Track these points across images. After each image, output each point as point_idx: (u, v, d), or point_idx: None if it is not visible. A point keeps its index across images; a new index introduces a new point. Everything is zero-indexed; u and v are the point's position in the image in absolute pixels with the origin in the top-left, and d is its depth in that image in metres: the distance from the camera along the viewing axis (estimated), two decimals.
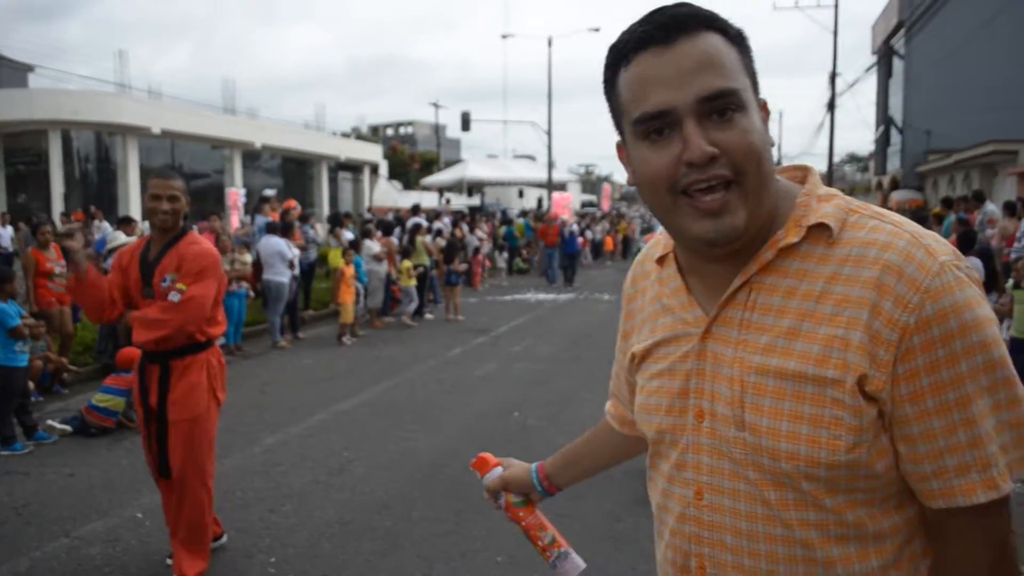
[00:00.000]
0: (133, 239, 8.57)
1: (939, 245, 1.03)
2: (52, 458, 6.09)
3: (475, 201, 34.81)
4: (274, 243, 10.96)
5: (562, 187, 38.36)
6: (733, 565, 1.11)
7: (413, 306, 13.20)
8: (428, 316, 13.89)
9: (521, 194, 41.14)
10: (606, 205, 36.44)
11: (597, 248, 28.31)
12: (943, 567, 1.08)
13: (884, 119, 36.16)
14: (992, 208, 13.30)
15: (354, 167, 37.91)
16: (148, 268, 3.81)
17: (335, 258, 12.01)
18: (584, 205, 45.16)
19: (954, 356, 0.98)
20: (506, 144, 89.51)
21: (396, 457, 6.01)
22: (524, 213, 29.56)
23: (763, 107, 1.10)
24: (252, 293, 11.26)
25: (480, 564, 4.24)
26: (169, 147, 26.69)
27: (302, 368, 9.60)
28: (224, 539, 4.37)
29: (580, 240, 23.76)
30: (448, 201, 30.89)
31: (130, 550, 4.36)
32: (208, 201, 24.60)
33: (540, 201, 36.11)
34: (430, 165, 52.15)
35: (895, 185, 32.24)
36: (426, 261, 13.88)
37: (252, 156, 30.15)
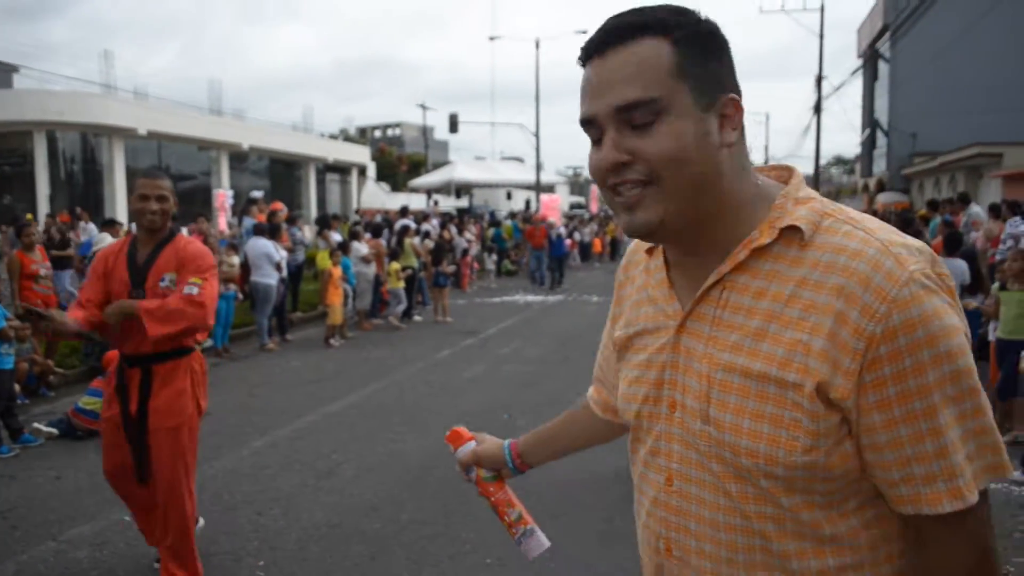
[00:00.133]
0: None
1: (910, 254, 1.02)
2: (38, 461, 6.05)
3: (463, 203, 34.79)
4: (261, 245, 10.92)
5: (550, 189, 38.41)
6: (696, 551, 1.15)
7: (401, 308, 13.19)
8: (416, 318, 13.88)
9: (509, 196, 41.14)
10: (594, 207, 36.49)
11: (585, 250, 28.34)
12: (921, 572, 1.08)
13: (870, 122, 36.38)
14: (977, 210, 13.39)
15: (342, 169, 37.84)
16: (139, 270, 3.70)
17: (323, 260, 11.98)
18: (572, 207, 45.22)
19: (921, 366, 0.99)
20: (494, 146, 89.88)
21: (385, 459, 6.00)
22: (512, 215, 29.57)
23: (729, 105, 1.09)
24: (240, 295, 11.22)
25: (469, 566, 4.24)
26: (155, 148, 26.56)
27: (290, 370, 9.57)
28: (201, 522, 4.28)
29: (568, 242, 23.80)
30: (436, 203, 30.86)
31: (118, 553, 4.34)
32: (195, 203, 24.50)
33: (528, 203, 36.12)
34: (418, 167, 52.10)
35: (881, 187, 32.43)
36: (414, 263, 13.86)
37: (239, 157, 30.05)
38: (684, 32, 1.08)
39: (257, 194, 17.34)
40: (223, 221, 17.53)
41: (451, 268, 15.32)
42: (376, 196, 38.41)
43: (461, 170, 36.43)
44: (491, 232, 23.28)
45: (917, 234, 10.52)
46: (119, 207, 22.50)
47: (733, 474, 1.10)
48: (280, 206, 14.43)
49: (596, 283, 20.04)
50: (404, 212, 17.46)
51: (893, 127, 31.86)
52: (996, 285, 6.90)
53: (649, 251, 1.30)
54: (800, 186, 1.13)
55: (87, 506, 5.06)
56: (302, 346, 11.28)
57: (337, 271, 11.49)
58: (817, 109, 30.08)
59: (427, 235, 16.31)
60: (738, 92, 1.12)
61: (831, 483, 1.06)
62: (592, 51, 1.11)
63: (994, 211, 11.92)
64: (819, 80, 29.81)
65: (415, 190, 38.68)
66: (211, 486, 5.36)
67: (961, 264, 8.56)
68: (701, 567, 1.15)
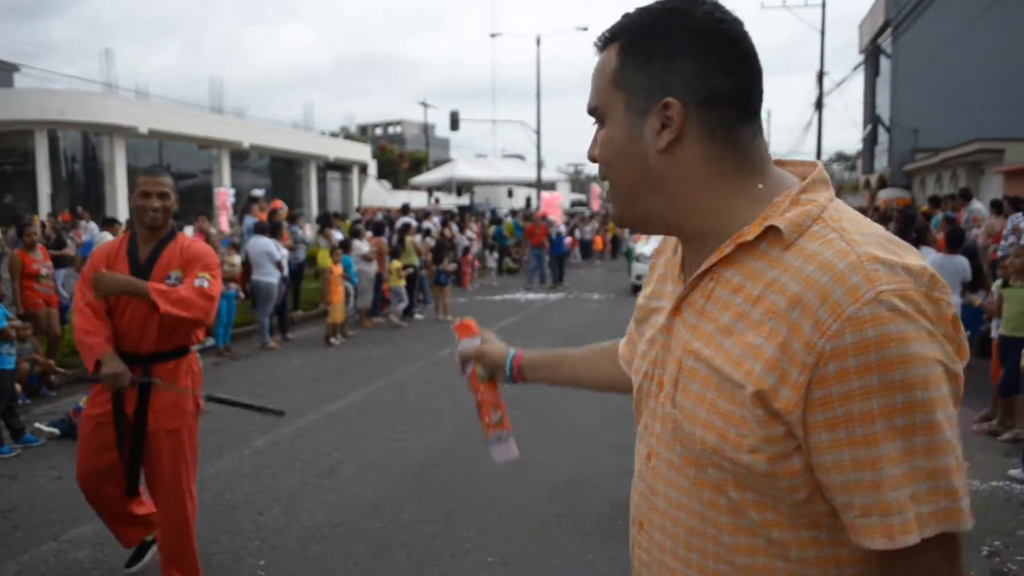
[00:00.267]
0: None
1: (889, 272, 0.97)
2: (39, 461, 6.05)
3: (464, 201, 34.79)
4: (262, 244, 10.92)
5: (551, 186, 38.37)
6: (659, 527, 1.19)
7: (402, 306, 13.19)
8: (418, 316, 13.88)
9: (510, 193, 41.16)
10: (596, 205, 36.48)
11: (586, 248, 28.34)
12: None
13: (871, 118, 36.31)
14: (978, 206, 13.37)
15: (343, 167, 37.83)
16: (141, 268, 3.63)
17: (324, 258, 11.98)
18: (574, 204, 45.20)
19: (868, 390, 0.94)
20: (495, 143, 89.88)
21: (386, 458, 6.00)
22: (514, 213, 29.56)
23: (668, 108, 1.09)
24: (241, 294, 11.23)
25: (471, 565, 4.24)
26: (156, 147, 26.57)
27: (291, 369, 9.57)
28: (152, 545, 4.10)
29: (569, 240, 23.78)
30: (437, 201, 30.85)
31: (118, 553, 4.33)
32: (196, 201, 24.51)
33: (528, 200, 36.11)
34: (419, 165, 52.10)
35: (883, 183, 32.39)
36: (415, 261, 13.86)
37: (240, 156, 30.05)
38: (630, 38, 1.12)
39: (258, 192, 17.34)
40: (224, 220, 17.54)
41: (452, 266, 15.33)
42: (377, 194, 38.43)
43: (462, 168, 36.42)
44: (492, 230, 23.28)
45: (924, 230, 10.51)
46: (120, 206, 22.51)
47: (691, 460, 1.12)
48: (280, 204, 14.43)
49: (597, 281, 20.03)
50: (405, 210, 17.46)
51: (895, 123, 31.80)
52: (999, 282, 6.89)
53: None
54: (811, 186, 1.10)
55: (88, 506, 5.06)
56: (303, 345, 11.28)
57: (337, 269, 11.49)
58: (819, 105, 30.05)
59: (428, 233, 16.30)
60: (698, 92, 1.08)
61: (778, 491, 1.04)
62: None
63: (996, 207, 11.90)
64: (820, 76, 29.78)
65: (416, 188, 38.69)
66: (212, 485, 5.36)
67: (962, 261, 8.55)
68: (663, 545, 1.18)
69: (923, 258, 1.03)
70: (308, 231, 16.82)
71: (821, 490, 1.02)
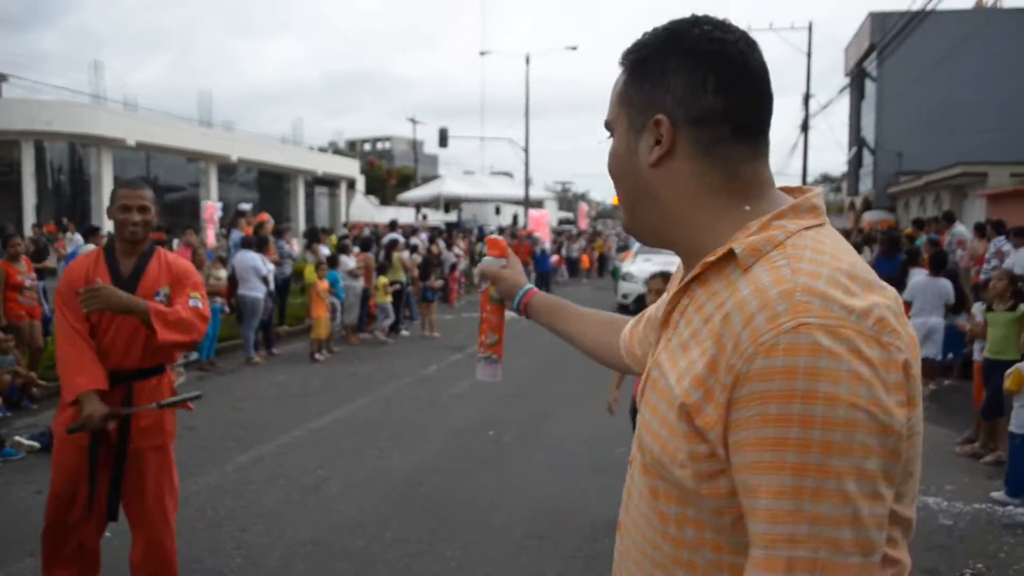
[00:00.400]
0: None
1: (821, 306, 0.94)
2: (19, 475, 5.99)
3: (452, 217, 34.81)
4: (249, 258, 10.88)
5: (539, 204, 38.45)
6: (628, 532, 1.21)
7: (388, 322, 13.16)
8: (404, 333, 13.84)
9: (498, 211, 41.20)
10: (583, 223, 36.60)
11: (573, 266, 28.39)
12: None
13: (857, 140, 36.66)
14: (961, 229, 13.50)
15: (331, 182, 37.84)
16: (125, 283, 3.52)
17: (310, 273, 11.96)
18: (561, 222, 45.31)
19: (766, 418, 0.92)
20: (483, 160, 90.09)
21: (371, 475, 5.97)
22: (502, 230, 29.60)
23: (658, 125, 1.12)
24: (227, 308, 11.18)
25: None
26: (144, 159, 26.50)
27: (276, 384, 9.52)
28: None
29: (555, 258, 23.81)
30: (425, 217, 30.86)
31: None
32: (183, 214, 24.44)
33: (515, 218, 36.15)
34: (407, 181, 52.13)
35: (867, 206, 32.64)
36: (402, 277, 13.84)
37: (228, 169, 30.01)
38: (634, 57, 1.17)
39: (245, 206, 17.30)
40: (211, 233, 17.49)
41: (439, 283, 15.31)
42: (365, 210, 38.41)
43: (450, 184, 36.46)
44: (480, 247, 23.29)
45: (915, 253, 10.58)
46: (107, 218, 22.39)
47: (647, 468, 1.14)
48: (266, 217, 14.39)
49: (584, 299, 19.99)
50: (394, 226, 17.45)
51: (879, 146, 32.13)
52: (983, 306, 6.94)
53: None
54: (790, 212, 1.09)
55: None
56: (288, 360, 11.23)
57: (323, 284, 11.45)
58: (804, 127, 30.29)
59: (415, 249, 16.29)
60: (690, 110, 1.10)
61: (710, 512, 1.04)
62: None
63: (979, 230, 12.02)
64: (806, 98, 30.03)
65: (404, 204, 38.68)
66: (194, 501, 5.32)
67: (946, 283, 8.63)
68: (629, 550, 1.20)
69: (889, 298, 1.00)
70: (296, 246, 16.79)
71: None
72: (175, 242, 13.46)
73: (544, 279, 19.81)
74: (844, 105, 39.32)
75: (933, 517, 5.24)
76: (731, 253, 1.06)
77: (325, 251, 13.35)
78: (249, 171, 32.12)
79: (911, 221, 17.87)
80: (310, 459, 6.35)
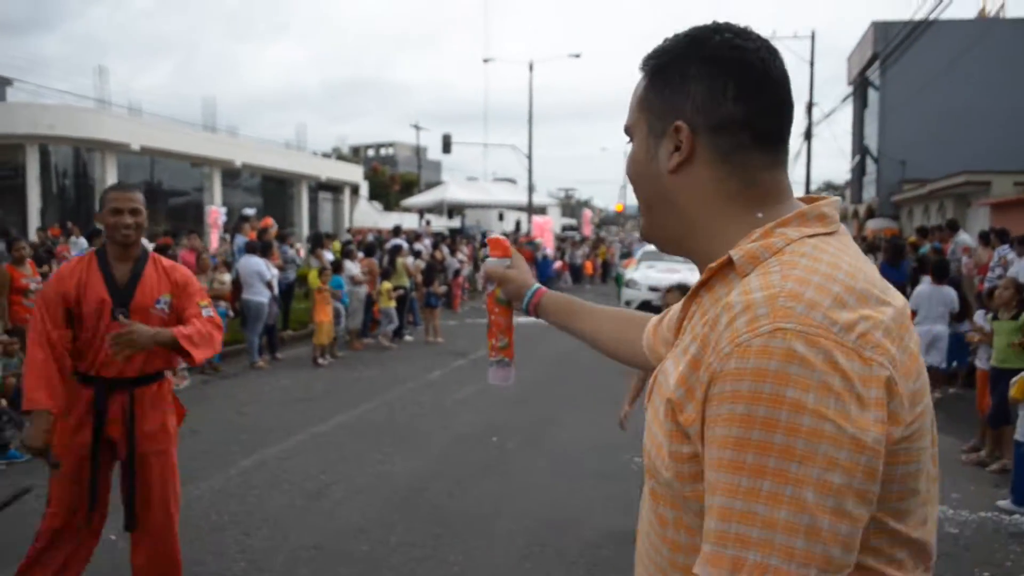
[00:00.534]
0: None
1: (803, 313, 0.93)
2: (24, 477, 5.98)
3: (455, 223, 34.85)
4: (253, 263, 10.90)
5: (542, 210, 38.52)
6: (638, 529, 1.21)
7: (392, 328, 13.16)
8: (408, 338, 13.85)
9: (501, 217, 41.26)
10: (587, 230, 36.62)
11: (577, 272, 28.39)
12: None
13: (860, 149, 36.67)
14: (965, 237, 13.49)
15: (334, 187, 37.86)
16: (122, 292, 3.46)
17: (314, 278, 11.97)
18: (565, 229, 45.36)
19: (732, 417, 0.92)
20: (486, 167, 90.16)
21: (374, 480, 5.97)
22: (505, 236, 29.60)
23: (679, 131, 1.12)
24: (231, 312, 11.18)
25: None
26: (148, 164, 26.54)
27: (280, 389, 9.52)
28: None
29: (559, 264, 23.79)
30: (428, 223, 30.90)
31: (102, 573, 4.28)
32: (187, 219, 24.47)
33: (518, 224, 36.21)
34: (411, 187, 52.21)
35: (871, 214, 32.63)
36: (406, 283, 13.85)
37: (232, 174, 30.03)
38: (655, 63, 1.18)
39: (249, 211, 17.35)
40: (215, 237, 17.51)
41: (443, 288, 15.30)
42: (368, 215, 38.44)
43: (453, 190, 36.57)
44: (483, 252, 23.29)
45: (924, 261, 10.57)
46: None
47: (648, 471, 1.14)
48: (270, 222, 14.41)
49: None
50: (397, 232, 17.46)
51: (882, 154, 32.13)
52: (988, 315, 6.93)
53: None
54: (795, 220, 1.08)
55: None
56: (292, 365, 11.23)
57: (326, 289, 11.43)
58: (807, 136, 30.32)
59: (419, 255, 16.30)
60: (709, 117, 1.10)
61: (696, 515, 1.02)
62: None
63: (984, 239, 12.02)
64: (809, 107, 30.07)
65: (407, 209, 38.75)
66: (198, 505, 5.31)
67: (950, 291, 8.63)
68: (639, 553, 1.20)
69: (886, 313, 0.98)
70: (302, 251, 16.81)
71: None
72: (180, 247, 13.44)
73: (546, 285, 19.74)
74: (847, 114, 39.43)
75: (939, 525, 5.20)
76: (731, 260, 1.06)
77: (329, 256, 13.37)
78: (253, 176, 32.15)
79: (915, 229, 17.86)
80: (313, 464, 6.34)
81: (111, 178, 23.78)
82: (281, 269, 12.15)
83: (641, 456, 1.19)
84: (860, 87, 34.92)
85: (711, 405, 0.96)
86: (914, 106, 29.06)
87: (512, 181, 53.43)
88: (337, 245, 16.54)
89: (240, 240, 13.59)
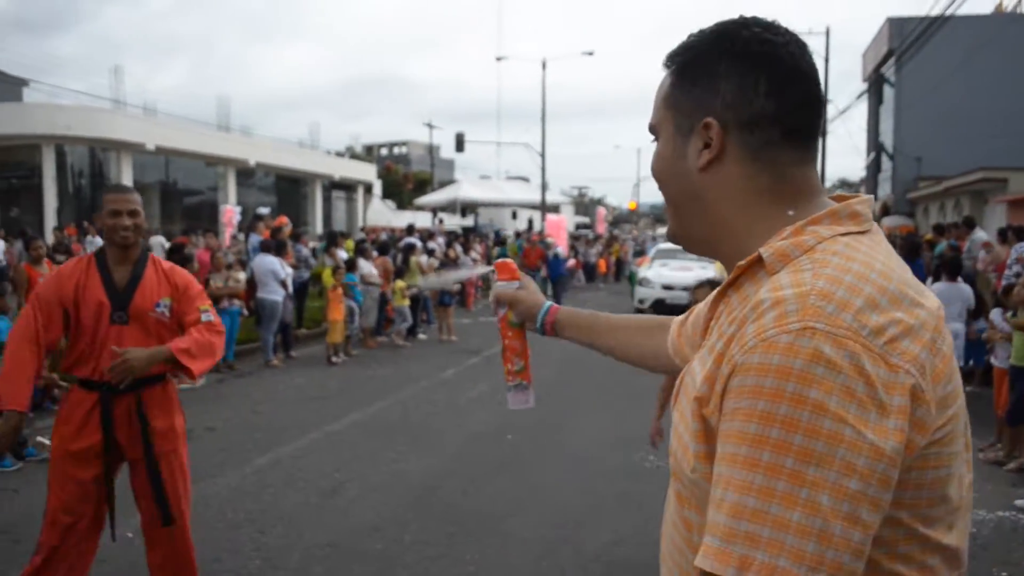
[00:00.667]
0: None
1: (833, 313, 0.91)
2: (41, 475, 5.98)
3: (469, 222, 34.89)
4: (268, 262, 10.95)
5: (555, 209, 38.50)
6: (663, 532, 1.20)
7: (406, 326, 13.19)
8: (421, 336, 13.87)
9: (515, 215, 41.26)
10: (601, 228, 36.57)
11: (590, 270, 28.36)
12: None
13: (875, 145, 36.44)
14: (982, 235, 13.39)
15: (348, 186, 37.98)
16: (121, 295, 3.42)
17: (328, 277, 12.01)
18: (578, 227, 45.32)
19: (751, 414, 0.91)
20: (499, 165, 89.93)
21: (388, 479, 5.98)
22: (518, 234, 29.63)
23: (708, 128, 1.10)
24: (245, 311, 11.24)
25: None
26: (163, 163, 26.72)
27: (294, 387, 9.56)
28: None
29: (572, 262, 23.74)
30: (441, 221, 30.94)
31: (119, 569, 4.32)
32: (202, 218, 24.60)
33: (531, 222, 36.19)
34: (424, 185, 52.27)
35: (886, 211, 32.43)
36: (419, 281, 13.87)
37: (246, 174, 30.18)
38: (681, 60, 1.16)
39: (264, 210, 17.41)
40: (228, 236, 17.60)
41: (456, 287, 15.31)
42: (382, 214, 38.53)
43: (467, 189, 36.61)
44: (496, 251, 23.30)
45: (942, 262, 10.50)
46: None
47: (673, 471, 1.13)
48: (285, 220, 14.45)
49: (600, 304, 20.01)
50: (411, 230, 17.49)
51: (898, 151, 31.91)
52: (1009, 314, 6.88)
53: None
54: (827, 218, 1.06)
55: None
56: (306, 363, 11.28)
57: (338, 291, 11.46)
58: (822, 132, 30.16)
59: (432, 253, 16.32)
60: (740, 114, 1.09)
61: None
62: None
63: (1001, 236, 11.93)
64: (824, 103, 29.89)
65: (421, 208, 38.80)
66: (214, 503, 5.34)
67: (967, 289, 8.59)
68: (663, 555, 1.19)
69: (919, 316, 0.96)
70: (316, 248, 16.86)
71: None
72: (196, 244, 13.51)
73: (558, 284, 19.68)
74: (862, 110, 39.15)
75: None
76: (761, 258, 1.04)
77: (343, 255, 13.41)
78: (267, 175, 32.31)
79: (931, 227, 17.73)
80: (327, 462, 6.37)
81: (127, 178, 23.96)
82: (295, 268, 12.20)
83: (655, 455, 1.18)
84: (875, 83, 34.71)
85: (729, 397, 0.94)
86: (930, 102, 28.83)
87: (525, 179, 53.45)
88: (351, 244, 16.58)
89: (255, 239, 13.64)
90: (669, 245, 17.12)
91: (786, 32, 1.12)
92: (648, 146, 1.25)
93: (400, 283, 12.99)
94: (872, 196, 1.17)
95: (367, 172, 39.99)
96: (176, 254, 9.55)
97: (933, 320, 0.99)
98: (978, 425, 7.44)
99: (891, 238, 18.11)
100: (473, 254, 19.59)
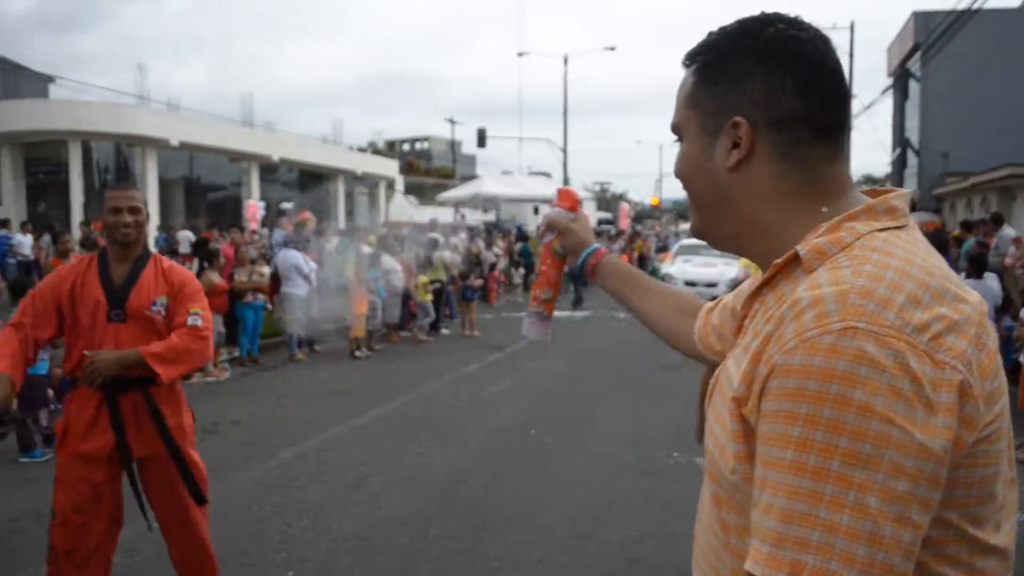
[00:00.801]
0: None
1: (875, 311, 0.90)
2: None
3: (491, 217, 34.88)
4: (291, 256, 11.03)
5: None
6: (696, 534, 1.19)
7: (429, 321, 13.23)
8: (444, 331, 13.91)
9: (536, 211, 41.16)
10: (624, 223, 36.44)
11: None
12: None
13: (901, 141, 36.06)
14: (1010, 231, 13.24)
15: (370, 181, 38.10)
16: (118, 293, 3.36)
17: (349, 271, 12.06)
18: (601, 223, 45.17)
19: (794, 417, 0.89)
20: (521, 161, 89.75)
21: (412, 473, 6.01)
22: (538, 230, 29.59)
23: (736, 128, 1.09)
24: (269, 305, 11.32)
25: None
26: (187, 159, 26.94)
27: (318, 381, 9.62)
28: None
29: None
30: (463, 216, 30.94)
31: (149, 559, 4.37)
32: (226, 213, 24.79)
33: None
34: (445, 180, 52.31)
35: (912, 207, 32.03)
36: (443, 276, 13.91)
37: (269, 169, 30.36)
38: (704, 58, 1.14)
39: (287, 205, 17.51)
40: (251, 232, 17.72)
41: (479, 282, 15.35)
42: (404, 209, 38.59)
43: (488, 184, 36.47)
44: (518, 246, 23.28)
45: (973, 260, 10.39)
46: (152, 216, 22.79)
47: (710, 474, 1.11)
48: (308, 215, 14.52)
49: None
50: (433, 225, 17.52)
51: (924, 147, 31.56)
52: None
53: None
54: (864, 214, 1.05)
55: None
56: (330, 357, 11.34)
57: (360, 283, 11.51)
58: (849, 128, 29.86)
59: (455, 248, 16.35)
60: (769, 112, 1.07)
61: None
62: None
63: None
64: (850, 99, 29.64)
65: (443, 204, 38.83)
66: (241, 496, 5.39)
67: (995, 285, 8.47)
68: (697, 557, 1.18)
69: (962, 312, 0.94)
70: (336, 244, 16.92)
71: None
72: (222, 239, 13.61)
73: (574, 280, 19.55)
74: (887, 106, 38.70)
75: None
76: (798, 256, 1.02)
77: (367, 250, 13.45)
78: (290, 171, 32.49)
79: (959, 223, 17.54)
80: (352, 456, 6.41)
81: (151, 173, 24.18)
82: (318, 263, 12.26)
83: (678, 452, 1.17)
84: (900, 78, 34.34)
85: (769, 399, 0.92)
86: (956, 97, 28.48)
87: (547, 175, 53.21)
88: (373, 239, 16.64)
89: (279, 234, 13.72)
90: (692, 241, 17.08)
91: (810, 28, 1.10)
92: (670, 143, 1.23)
93: (423, 278, 13.02)
94: (909, 190, 1.15)
95: (389, 168, 40.11)
96: (201, 248, 9.63)
97: (977, 315, 0.97)
98: None
99: None
100: (496, 249, 19.61)
